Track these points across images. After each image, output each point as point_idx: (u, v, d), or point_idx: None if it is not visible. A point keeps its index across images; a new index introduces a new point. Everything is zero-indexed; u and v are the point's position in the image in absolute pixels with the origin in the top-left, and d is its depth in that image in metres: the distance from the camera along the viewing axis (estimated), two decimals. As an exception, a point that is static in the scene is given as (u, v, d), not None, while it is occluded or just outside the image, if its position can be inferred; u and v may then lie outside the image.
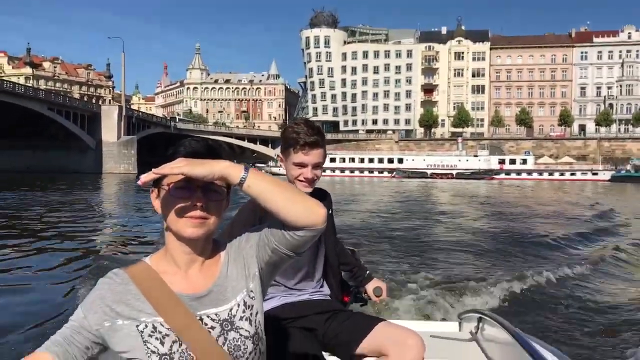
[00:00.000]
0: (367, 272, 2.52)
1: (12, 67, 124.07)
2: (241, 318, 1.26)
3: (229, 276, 1.28)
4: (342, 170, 76.62)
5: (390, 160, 78.10)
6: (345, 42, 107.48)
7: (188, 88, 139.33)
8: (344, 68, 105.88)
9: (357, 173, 76.26)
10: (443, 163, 75.30)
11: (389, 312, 5.19)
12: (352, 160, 79.33)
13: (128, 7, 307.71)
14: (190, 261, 1.27)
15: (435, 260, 9.26)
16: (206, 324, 1.23)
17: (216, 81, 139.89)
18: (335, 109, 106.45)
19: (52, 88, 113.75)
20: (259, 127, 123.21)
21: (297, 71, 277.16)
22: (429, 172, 73.11)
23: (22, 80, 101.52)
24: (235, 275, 1.29)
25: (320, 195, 2.23)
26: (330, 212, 2.17)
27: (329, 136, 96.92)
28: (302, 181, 2.08)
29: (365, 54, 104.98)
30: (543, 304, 6.27)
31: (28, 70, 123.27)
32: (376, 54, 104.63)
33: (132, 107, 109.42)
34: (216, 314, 1.24)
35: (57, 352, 1.18)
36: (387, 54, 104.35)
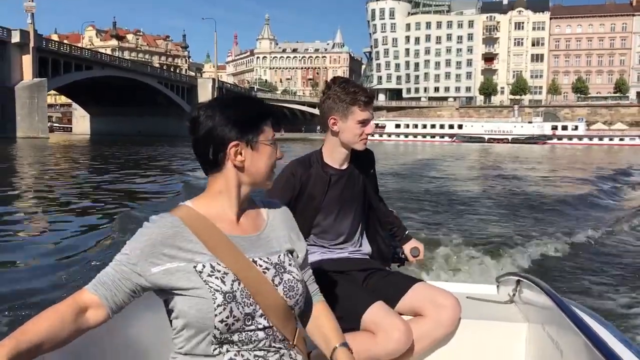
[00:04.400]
0: (407, 232, 2.56)
1: (100, 40, 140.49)
2: (290, 264, 1.39)
3: (274, 231, 1.43)
4: (406, 135, 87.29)
5: (451, 126, 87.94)
6: (409, 14, 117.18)
7: (258, 57, 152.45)
8: (407, 38, 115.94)
9: (419, 138, 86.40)
10: (500, 129, 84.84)
11: (426, 272, 5.25)
12: (415, 126, 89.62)
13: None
14: (239, 208, 1.39)
15: (476, 222, 9.29)
16: (260, 266, 1.33)
17: (284, 50, 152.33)
18: (398, 78, 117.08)
19: (136, 58, 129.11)
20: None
21: (361, 39, 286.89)
22: (486, 137, 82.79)
23: (109, 52, 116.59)
24: (280, 233, 1.44)
25: (363, 153, 2.28)
26: (372, 171, 2.36)
27: (393, 103, 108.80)
28: (364, 138, 2.16)
29: (428, 25, 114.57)
30: (583, 266, 6.11)
31: (114, 42, 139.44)
32: (439, 25, 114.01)
33: (204, 75, 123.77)
34: (268, 258, 1.36)
35: (105, 295, 1.25)
36: (449, 25, 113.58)
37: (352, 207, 2.20)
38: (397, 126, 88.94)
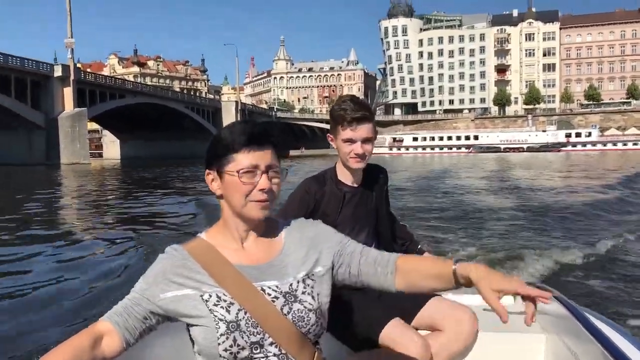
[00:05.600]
0: (419, 246, 2.56)
1: (122, 67, 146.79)
2: (303, 292, 1.34)
3: (290, 255, 1.39)
4: (424, 147, 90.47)
5: (467, 137, 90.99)
6: (421, 30, 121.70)
7: (275, 78, 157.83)
8: (420, 53, 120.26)
9: (436, 150, 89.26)
10: (515, 138, 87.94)
11: None
12: (432, 138, 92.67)
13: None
14: (248, 235, 1.38)
15: (491, 231, 9.24)
16: (269, 295, 1.31)
17: (300, 70, 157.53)
18: (413, 92, 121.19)
19: (157, 84, 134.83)
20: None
21: (375, 56, 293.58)
22: (502, 147, 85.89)
23: (131, 78, 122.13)
24: (297, 256, 1.39)
25: (376, 171, 2.32)
26: (385, 188, 2.37)
27: (409, 117, 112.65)
28: (353, 157, 2.12)
29: (441, 40, 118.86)
30: (600, 275, 6.00)
31: (136, 69, 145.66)
32: (451, 39, 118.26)
33: (222, 97, 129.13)
34: (277, 286, 1.33)
35: (117, 321, 1.29)
36: (461, 39, 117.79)
37: (366, 225, 2.25)
38: (415, 139, 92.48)
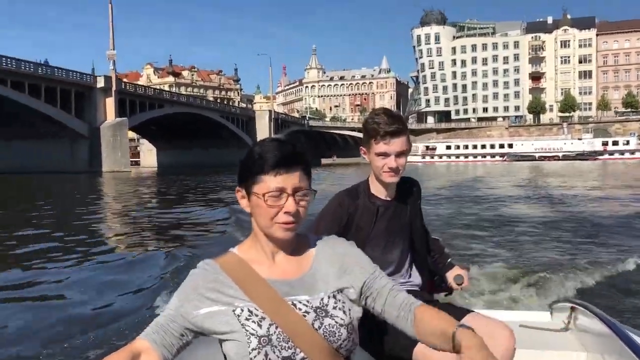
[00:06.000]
0: (449, 259, 2.53)
1: (158, 77, 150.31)
2: (334, 307, 1.35)
3: (321, 271, 1.40)
4: (457, 156, 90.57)
5: (501, 146, 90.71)
6: (454, 37, 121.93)
7: (306, 86, 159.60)
8: (453, 61, 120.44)
9: (470, 158, 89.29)
10: (550, 146, 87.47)
11: (475, 300, 5.14)
12: (466, 146, 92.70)
13: (251, 10, 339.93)
14: (278, 251, 1.40)
15: (526, 244, 8.99)
16: (300, 309, 1.32)
17: (331, 78, 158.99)
18: (447, 100, 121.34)
19: (192, 93, 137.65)
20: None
21: (407, 64, 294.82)
22: (536, 155, 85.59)
23: (166, 88, 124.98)
24: (328, 272, 1.40)
25: (409, 184, 2.30)
26: (418, 201, 2.34)
27: (442, 125, 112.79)
28: (387, 172, 2.11)
29: (474, 47, 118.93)
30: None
31: (171, 79, 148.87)
32: (484, 47, 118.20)
33: (254, 106, 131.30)
34: (308, 301, 1.34)
35: (154, 339, 1.31)
36: (494, 46, 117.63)
37: (400, 238, 2.24)
38: (448, 147, 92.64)
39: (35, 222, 14.92)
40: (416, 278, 2.33)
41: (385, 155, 2.09)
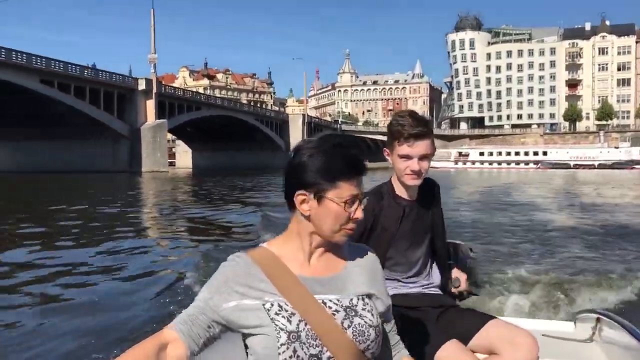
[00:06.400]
0: (449, 262, 2.52)
1: (193, 80, 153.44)
2: (363, 309, 1.36)
3: (352, 274, 1.41)
4: (490, 162, 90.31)
5: (535, 153, 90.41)
6: (489, 43, 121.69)
7: (339, 91, 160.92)
8: (488, 67, 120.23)
9: (504, 165, 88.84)
10: (585, 155, 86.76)
11: (500, 306, 5.13)
12: (499, 153, 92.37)
13: (287, 16, 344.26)
14: (315, 250, 1.41)
15: (555, 250, 8.91)
16: (329, 308, 1.33)
17: (364, 83, 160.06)
18: (480, 106, 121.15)
19: (225, 96, 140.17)
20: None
21: (441, 69, 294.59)
22: (571, 163, 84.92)
23: (201, 91, 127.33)
24: (358, 277, 1.42)
25: (430, 185, 2.29)
26: (439, 202, 2.35)
27: (475, 131, 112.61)
28: (409, 174, 2.11)
29: (509, 53, 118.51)
30: None
31: (206, 81, 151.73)
32: (520, 53, 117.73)
33: (287, 109, 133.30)
34: (338, 300, 1.35)
35: (182, 329, 1.33)
36: (530, 53, 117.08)
37: (423, 239, 2.25)
38: (481, 154, 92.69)
39: (84, 217, 16.10)
40: (436, 279, 2.35)
41: (408, 157, 2.10)
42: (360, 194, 1.35)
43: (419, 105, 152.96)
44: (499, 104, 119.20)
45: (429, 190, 2.28)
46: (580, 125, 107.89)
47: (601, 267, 7.36)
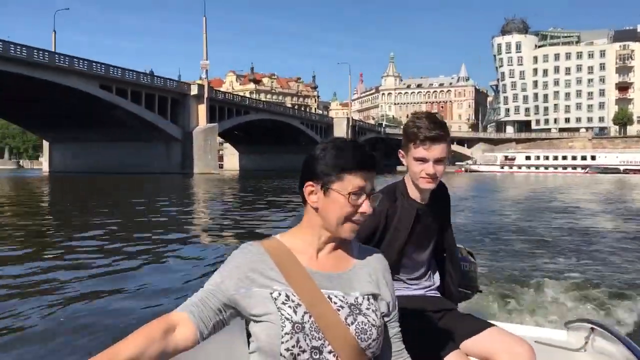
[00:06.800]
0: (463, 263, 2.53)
1: (239, 84, 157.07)
2: (367, 308, 1.37)
3: (359, 273, 1.43)
4: (537, 167, 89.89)
5: (584, 157, 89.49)
6: (536, 46, 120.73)
7: (383, 94, 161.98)
8: (535, 70, 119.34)
9: (551, 170, 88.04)
10: (636, 159, 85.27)
11: (493, 311, 5.10)
12: (546, 157, 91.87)
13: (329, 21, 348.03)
14: (325, 246, 1.43)
15: (597, 259, 8.59)
16: (335, 303, 1.34)
17: (409, 86, 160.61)
18: (527, 110, 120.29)
19: (271, 100, 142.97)
20: (450, 127, 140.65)
21: (486, 72, 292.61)
22: (621, 168, 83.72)
23: (247, 95, 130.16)
24: (365, 277, 1.43)
25: (441, 188, 2.25)
26: (448, 205, 2.35)
27: (522, 135, 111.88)
28: (424, 178, 2.08)
29: (557, 56, 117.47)
30: None
31: (252, 86, 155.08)
32: (568, 56, 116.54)
33: (330, 113, 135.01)
34: (343, 296, 1.36)
35: (193, 311, 1.34)
36: (579, 55, 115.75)
37: (430, 242, 2.25)
38: (528, 158, 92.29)
39: (147, 216, 17.20)
40: (437, 282, 2.36)
41: (423, 160, 2.07)
42: (370, 188, 1.38)
43: (464, 109, 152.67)
44: (546, 108, 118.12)
45: (440, 194, 2.28)
46: (631, 129, 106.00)
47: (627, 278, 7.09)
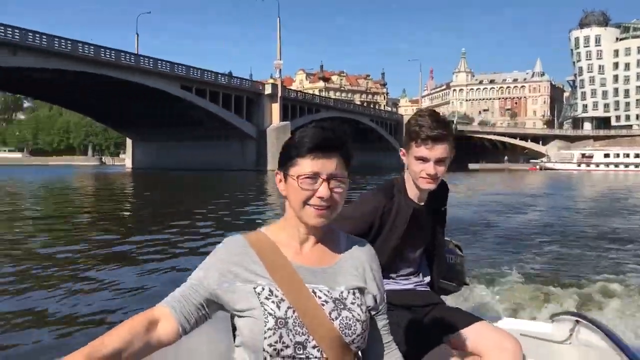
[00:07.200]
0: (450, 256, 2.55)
1: (309, 82, 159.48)
2: (352, 303, 1.36)
3: (345, 267, 1.41)
4: (616, 165, 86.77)
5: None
6: (617, 39, 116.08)
7: (454, 90, 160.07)
8: (615, 64, 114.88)
9: (631, 168, 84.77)
10: None
11: (480, 305, 5.10)
12: (627, 155, 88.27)
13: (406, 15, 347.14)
14: (308, 238, 1.41)
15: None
16: (319, 297, 1.33)
17: (481, 82, 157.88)
18: (606, 105, 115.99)
19: (340, 97, 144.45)
20: (524, 124, 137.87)
21: (562, 67, 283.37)
22: None
23: (317, 92, 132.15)
24: (351, 271, 1.41)
25: (440, 186, 2.18)
26: (445, 204, 2.33)
27: (600, 132, 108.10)
28: (424, 177, 2.06)
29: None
30: None
31: (321, 84, 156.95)
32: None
33: (400, 110, 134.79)
34: (328, 291, 1.35)
35: (174, 306, 1.33)
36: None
37: (423, 240, 2.26)
38: (607, 155, 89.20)
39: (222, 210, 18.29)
40: (427, 278, 2.37)
41: (424, 160, 2.04)
42: (329, 172, 1.33)
43: (539, 105, 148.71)
44: (627, 103, 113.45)
45: (439, 192, 2.23)
46: None
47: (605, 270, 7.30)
